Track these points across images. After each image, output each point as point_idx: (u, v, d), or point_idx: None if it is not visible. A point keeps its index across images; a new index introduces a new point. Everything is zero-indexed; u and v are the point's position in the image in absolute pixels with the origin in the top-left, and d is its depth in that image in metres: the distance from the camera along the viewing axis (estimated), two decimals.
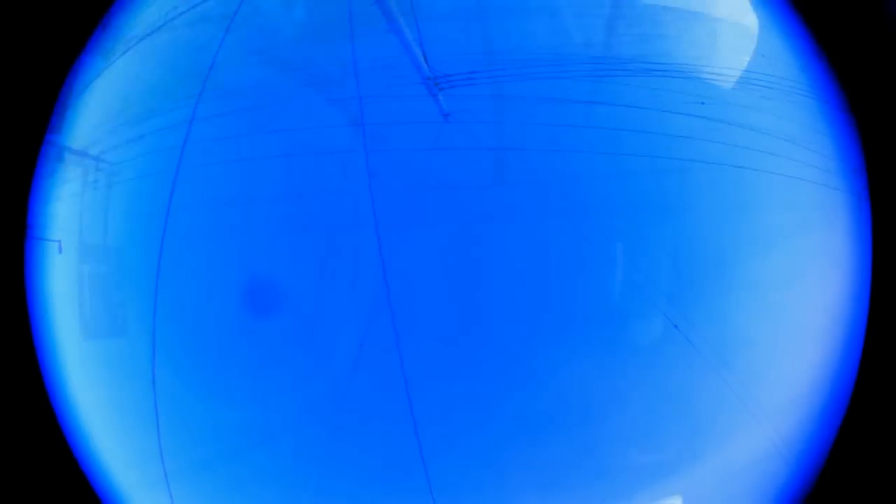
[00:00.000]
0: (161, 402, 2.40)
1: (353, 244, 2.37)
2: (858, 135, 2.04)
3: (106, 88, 2.40)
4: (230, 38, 2.42)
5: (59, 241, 2.34)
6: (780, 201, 2.35)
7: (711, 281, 2.34)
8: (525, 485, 2.34)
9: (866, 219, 2.10)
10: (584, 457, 2.34)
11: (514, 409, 2.36)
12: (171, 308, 2.41)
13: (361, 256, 2.36)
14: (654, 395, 2.33)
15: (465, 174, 2.39)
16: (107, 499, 2.22)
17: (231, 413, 2.43)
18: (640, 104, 2.36)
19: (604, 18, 2.37)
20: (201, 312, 2.41)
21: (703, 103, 2.34)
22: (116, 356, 2.40)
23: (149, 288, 2.41)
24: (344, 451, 2.39)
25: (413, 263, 2.37)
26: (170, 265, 2.41)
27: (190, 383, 2.41)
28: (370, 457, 2.39)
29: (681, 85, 2.36)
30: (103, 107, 2.40)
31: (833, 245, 2.29)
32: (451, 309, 2.39)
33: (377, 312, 2.37)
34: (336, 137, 2.39)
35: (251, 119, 2.45)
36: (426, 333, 2.37)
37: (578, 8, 2.38)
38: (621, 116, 2.37)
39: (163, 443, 2.39)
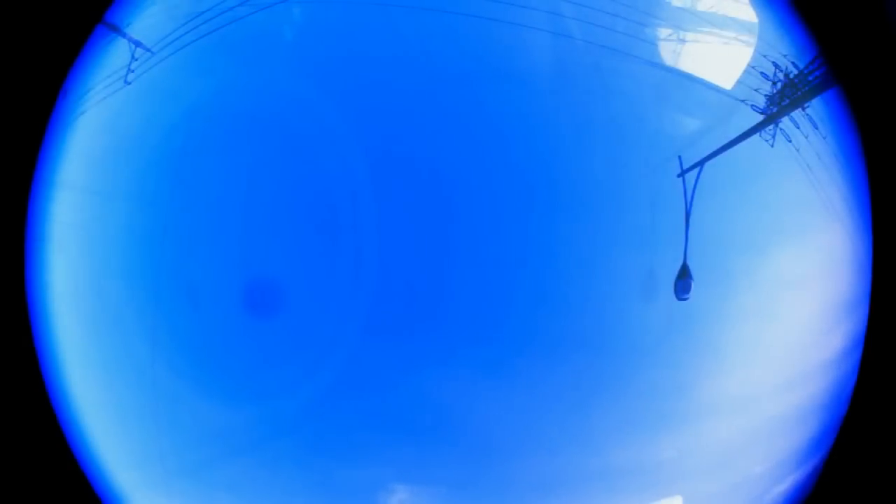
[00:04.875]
0: (161, 402, 2.40)
1: (354, 244, 2.37)
2: (859, 134, 2.04)
3: (108, 100, 2.40)
4: (231, 39, 2.42)
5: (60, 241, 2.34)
6: (780, 201, 2.35)
7: (713, 280, 2.34)
8: (526, 484, 2.34)
9: (866, 219, 2.09)
10: (584, 456, 2.34)
11: (515, 407, 2.36)
12: (171, 308, 2.41)
13: (362, 256, 2.36)
14: (654, 394, 2.33)
15: (467, 173, 2.39)
16: (107, 499, 2.22)
17: (231, 413, 2.43)
18: (641, 103, 2.36)
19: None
20: (201, 312, 2.41)
21: (701, 103, 2.34)
22: (116, 356, 2.40)
23: (149, 288, 2.40)
24: (345, 451, 2.38)
25: (414, 262, 2.37)
26: (170, 265, 2.41)
27: (190, 383, 2.41)
28: (371, 457, 2.39)
29: (680, 85, 2.36)
30: (106, 111, 2.40)
31: (833, 245, 2.28)
32: (453, 308, 2.39)
33: (378, 312, 2.36)
34: (336, 136, 2.39)
35: (251, 119, 2.45)
36: (427, 332, 2.37)
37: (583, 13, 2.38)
38: (622, 117, 2.37)
39: (163, 443, 2.39)
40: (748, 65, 2.34)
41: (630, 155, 2.36)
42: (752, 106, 2.34)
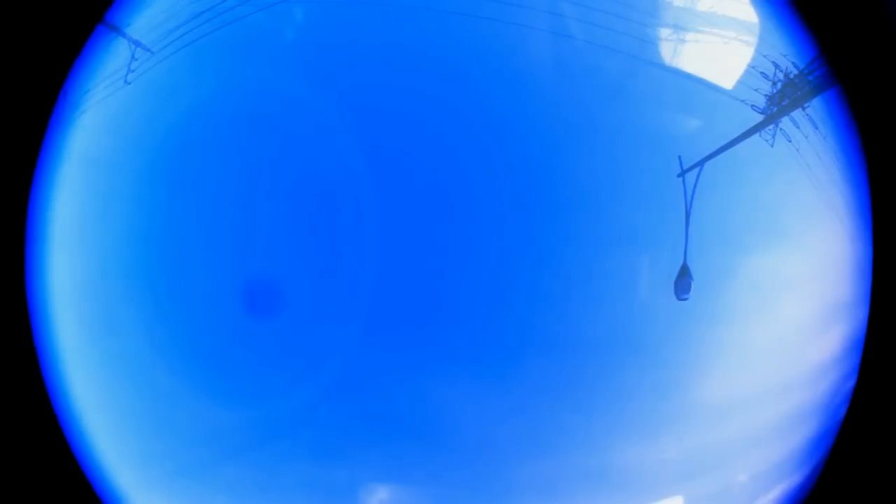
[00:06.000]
0: (161, 403, 2.40)
1: (353, 245, 2.37)
2: (859, 134, 2.04)
3: (111, 103, 2.40)
4: (231, 39, 2.42)
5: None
6: (779, 201, 2.35)
7: (713, 280, 2.34)
8: (526, 484, 2.34)
9: (866, 219, 2.09)
10: (584, 456, 2.34)
11: (514, 408, 2.36)
12: (170, 309, 2.41)
13: (361, 257, 2.36)
14: (654, 394, 2.33)
15: (467, 174, 2.39)
16: (107, 499, 2.22)
17: (230, 414, 2.43)
18: (641, 103, 2.36)
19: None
20: (201, 313, 2.41)
21: (701, 103, 2.34)
22: (116, 356, 2.40)
23: (149, 288, 2.41)
24: (344, 453, 2.38)
25: (414, 263, 2.37)
26: (170, 266, 2.41)
27: (189, 384, 2.41)
28: (370, 459, 2.39)
29: (680, 85, 2.36)
30: (106, 111, 2.40)
31: (833, 245, 2.28)
32: (452, 310, 2.39)
33: (377, 314, 2.36)
34: (336, 137, 2.39)
35: (251, 119, 2.45)
36: (426, 333, 2.37)
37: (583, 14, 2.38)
38: (622, 117, 2.37)
39: (162, 443, 2.39)
40: (748, 65, 2.34)
41: (630, 155, 2.36)
42: (752, 106, 2.34)
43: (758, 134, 2.35)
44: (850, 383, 2.06)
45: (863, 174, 2.10)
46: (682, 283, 2.29)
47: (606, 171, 2.37)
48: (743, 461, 2.34)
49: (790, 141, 2.32)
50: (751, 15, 2.37)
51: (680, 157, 2.31)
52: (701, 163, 2.31)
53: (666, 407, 2.34)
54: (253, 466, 2.37)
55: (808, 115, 2.31)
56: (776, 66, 2.32)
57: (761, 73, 2.34)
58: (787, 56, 2.29)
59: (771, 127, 2.34)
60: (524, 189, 2.36)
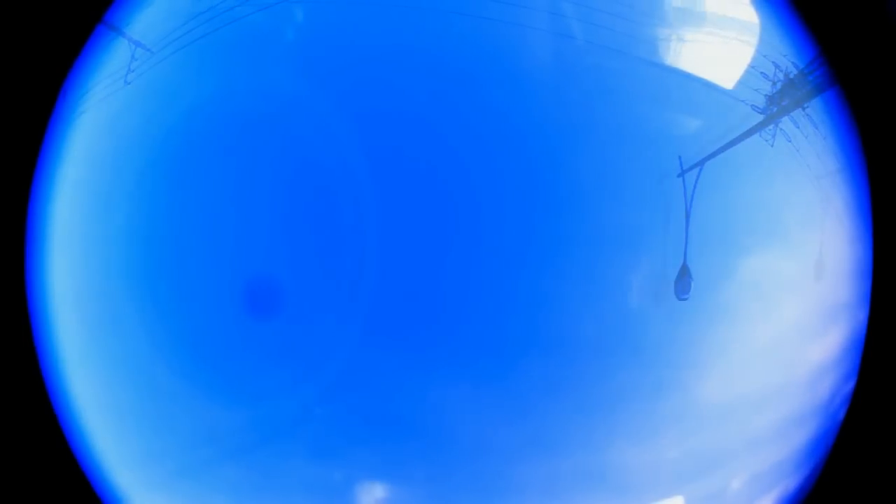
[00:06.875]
0: (161, 403, 2.40)
1: (354, 246, 2.37)
2: (859, 134, 2.04)
3: (108, 100, 2.40)
4: (231, 39, 2.42)
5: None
6: (780, 201, 2.35)
7: (713, 280, 2.34)
8: (525, 484, 2.34)
9: (867, 218, 2.10)
10: (584, 456, 2.34)
11: (515, 409, 2.36)
12: (171, 309, 2.41)
13: (363, 258, 2.36)
14: (654, 394, 2.33)
15: (467, 174, 2.39)
16: (107, 499, 2.22)
17: (231, 414, 2.43)
18: (641, 103, 2.36)
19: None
20: (201, 313, 2.41)
21: (701, 103, 2.34)
22: (116, 356, 2.40)
23: (150, 288, 2.41)
24: (344, 453, 2.39)
25: (414, 264, 2.37)
26: (170, 266, 2.41)
27: (189, 384, 2.41)
28: (371, 459, 2.39)
29: (680, 85, 2.36)
30: (106, 111, 2.41)
31: (833, 246, 2.28)
32: (454, 310, 2.39)
33: (378, 314, 2.36)
34: (337, 137, 2.39)
35: (251, 119, 2.45)
36: (427, 334, 2.37)
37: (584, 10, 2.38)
38: (622, 117, 2.37)
39: (162, 443, 2.39)
40: (748, 65, 2.34)
41: (630, 155, 2.36)
42: (752, 106, 2.34)
43: (758, 134, 2.35)
44: (850, 385, 2.06)
45: (863, 174, 2.09)
46: (682, 283, 2.29)
47: (606, 171, 2.37)
48: (743, 461, 2.34)
49: (790, 141, 2.32)
50: (751, 15, 2.36)
51: (680, 157, 2.31)
52: (701, 163, 2.30)
53: (666, 407, 2.34)
54: (253, 466, 2.37)
55: (808, 115, 2.31)
56: (776, 66, 2.32)
57: (761, 73, 2.34)
58: (787, 56, 2.28)
59: (771, 127, 2.34)
60: (524, 190, 2.36)
